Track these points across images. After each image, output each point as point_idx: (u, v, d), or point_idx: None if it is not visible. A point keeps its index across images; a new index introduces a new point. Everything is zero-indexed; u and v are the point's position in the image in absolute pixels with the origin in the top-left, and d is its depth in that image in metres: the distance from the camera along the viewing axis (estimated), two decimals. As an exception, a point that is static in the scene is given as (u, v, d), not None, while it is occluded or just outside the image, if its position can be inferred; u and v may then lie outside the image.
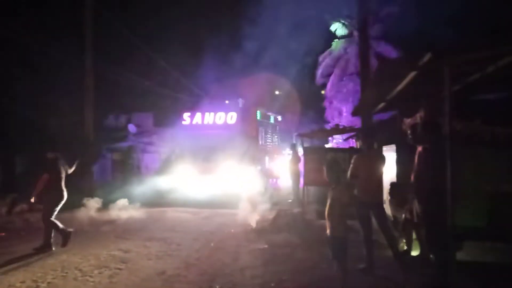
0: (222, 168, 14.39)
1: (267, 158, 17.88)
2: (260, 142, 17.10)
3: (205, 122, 16.13)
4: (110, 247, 8.19)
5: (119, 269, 6.75)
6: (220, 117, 16.08)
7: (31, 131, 13.85)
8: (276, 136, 20.27)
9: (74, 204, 13.01)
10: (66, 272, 6.58)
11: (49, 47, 15.53)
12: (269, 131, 18.90)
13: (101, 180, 18.83)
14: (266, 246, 8.20)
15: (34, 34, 15.04)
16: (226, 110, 16.03)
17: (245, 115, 16.00)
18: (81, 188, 14.28)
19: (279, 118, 21.24)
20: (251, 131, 16.14)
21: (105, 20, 16.78)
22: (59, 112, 15.09)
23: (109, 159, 22.24)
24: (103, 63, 17.15)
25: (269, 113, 19.40)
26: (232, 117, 15.89)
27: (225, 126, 15.71)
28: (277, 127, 20.86)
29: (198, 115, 16.38)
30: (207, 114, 16.29)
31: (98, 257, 7.46)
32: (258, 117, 16.89)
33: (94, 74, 16.22)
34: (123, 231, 9.91)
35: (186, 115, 16.46)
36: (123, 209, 12.51)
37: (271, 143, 19.16)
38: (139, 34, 19.52)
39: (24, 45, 15.20)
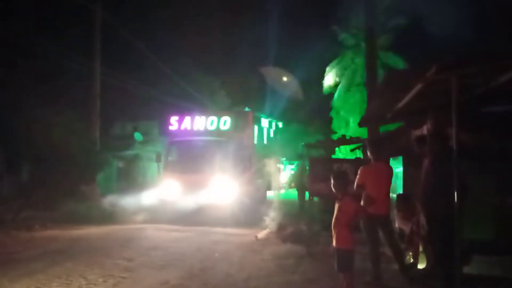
0: (216, 180, 12.74)
1: (266, 168, 16.01)
2: (259, 151, 15.47)
3: (195, 128, 14.20)
4: (114, 256, 8.17)
5: (123, 277, 6.73)
6: (213, 123, 14.11)
7: (37, 139, 13.89)
8: (277, 144, 18.55)
9: (78, 211, 13.10)
10: (71, 280, 6.56)
11: (56, 54, 15.64)
12: (269, 138, 17.37)
13: (106, 188, 18.84)
14: (270, 257, 8.15)
15: (41, 42, 15.17)
16: (222, 115, 14.27)
17: (241, 120, 14.31)
18: (85, 196, 14.29)
19: (280, 124, 19.70)
20: (248, 138, 14.47)
21: (112, 29, 16.91)
22: (65, 120, 15.15)
23: (115, 167, 22.25)
24: (110, 71, 17.27)
25: (269, 119, 17.68)
26: (226, 123, 14.00)
27: (218, 132, 13.83)
28: (279, 134, 19.17)
29: (187, 120, 14.38)
30: (197, 118, 14.31)
31: (102, 266, 7.44)
32: (256, 123, 15.24)
33: (100, 82, 16.35)
34: (127, 240, 9.89)
35: (173, 120, 14.55)
36: (127, 218, 12.50)
37: (272, 152, 17.20)
38: (146, 42, 19.66)
39: (31, 53, 15.32)
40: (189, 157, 13.64)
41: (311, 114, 31.31)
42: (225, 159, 13.00)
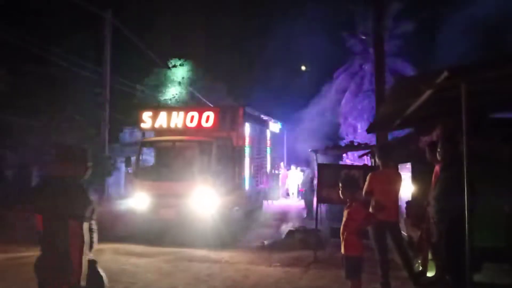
0: (196, 189, 10.45)
1: (261, 174, 14.60)
2: (252, 154, 13.28)
3: (172, 125, 11.74)
4: (121, 261, 8.15)
5: (131, 283, 6.71)
6: (193, 119, 11.63)
7: (47, 144, 13.99)
8: (275, 148, 16.60)
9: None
10: (78, 286, 6.54)
11: (66, 61, 15.80)
12: (265, 140, 15.25)
13: (114, 194, 18.89)
14: (278, 264, 8.10)
15: (52, 49, 15.33)
16: (205, 110, 11.98)
17: (229, 117, 11.79)
18: (94, 201, 14.32)
19: (279, 124, 17.52)
20: (238, 139, 12.06)
21: (122, 36, 17.05)
22: (75, 125, 15.26)
23: (123, 173, 22.35)
24: (120, 77, 17.39)
25: (265, 117, 15.30)
26: (209, 119, 11.53)
27: (200, 131, 11.53)
28: (277, 135, 17.08)
29: (162, 115, 11.89)
30: (175, 114, 11.82)
31: (109, 271, 7.37)
32: (249, 121, 12.78)
33: (110, 88, 16.49)
34: (134, 245, 9.84)
35: (146, 116, 12.06)
36: (134, 223, 12.45)
37: (267, 156, 15.48)
38: (156, 49, 19.80)
39: (42, 59, 15.47)
40: (165, 161, 11.50)
41: (318, 119, 31.23)
42: (209, 164, 10.84)
